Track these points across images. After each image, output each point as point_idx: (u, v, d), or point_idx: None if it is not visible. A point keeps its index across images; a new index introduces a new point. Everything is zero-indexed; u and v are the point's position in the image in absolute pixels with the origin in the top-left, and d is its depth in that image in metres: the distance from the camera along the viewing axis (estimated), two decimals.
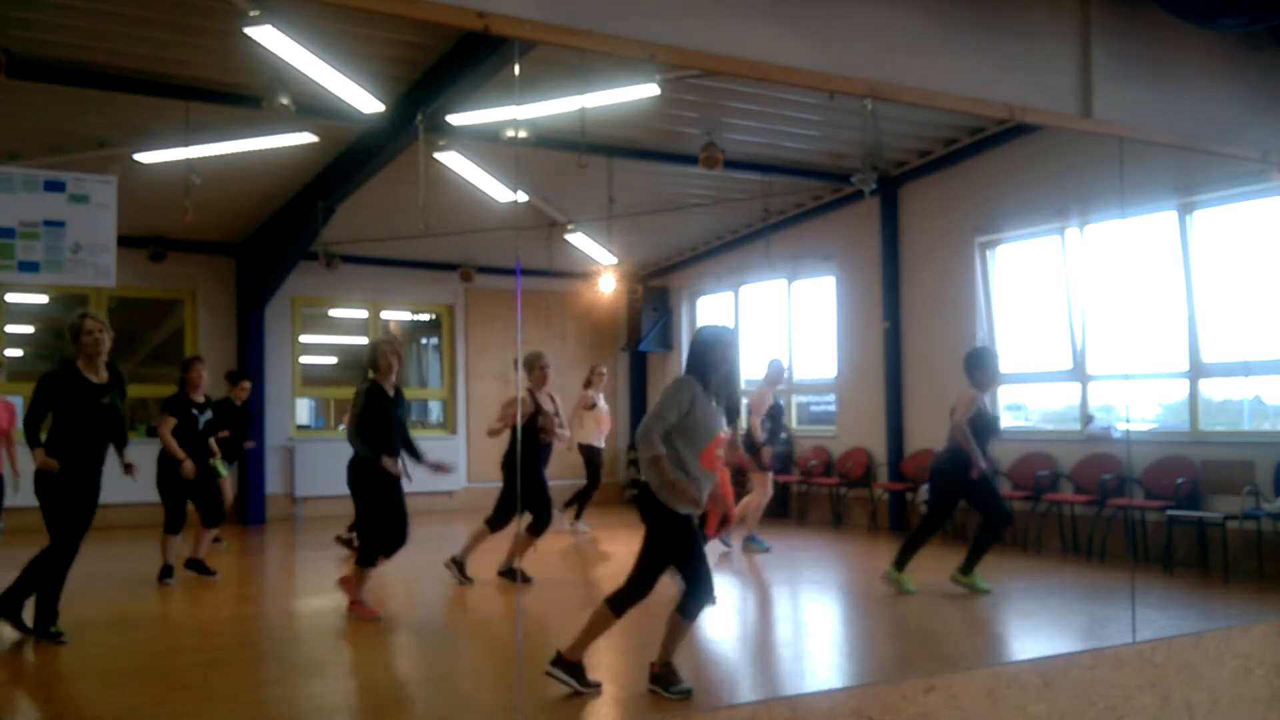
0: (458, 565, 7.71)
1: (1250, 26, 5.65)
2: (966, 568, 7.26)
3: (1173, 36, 5.77)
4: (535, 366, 7.91)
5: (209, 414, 8.07)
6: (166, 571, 7.75)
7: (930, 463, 7.87)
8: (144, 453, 8.09)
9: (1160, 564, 8.15)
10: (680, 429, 4.63)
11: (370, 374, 6.58)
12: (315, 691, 5.07)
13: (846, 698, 4.46)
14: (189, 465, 7.53)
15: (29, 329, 12.09)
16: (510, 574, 7.63)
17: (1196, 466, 8.38)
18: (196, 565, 7.97)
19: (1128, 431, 9.16)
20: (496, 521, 7.64)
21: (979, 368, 7.31)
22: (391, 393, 6.58)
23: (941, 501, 7.37)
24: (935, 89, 5.12)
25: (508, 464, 7.66)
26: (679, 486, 4.56)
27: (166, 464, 7.71)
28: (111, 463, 5.98)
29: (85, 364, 5.80)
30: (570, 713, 4.61)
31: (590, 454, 10.84)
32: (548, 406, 7.86)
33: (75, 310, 6.02)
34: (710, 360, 4.71)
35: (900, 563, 7.28)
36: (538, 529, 7.74)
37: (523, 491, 7.67)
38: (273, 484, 12.24)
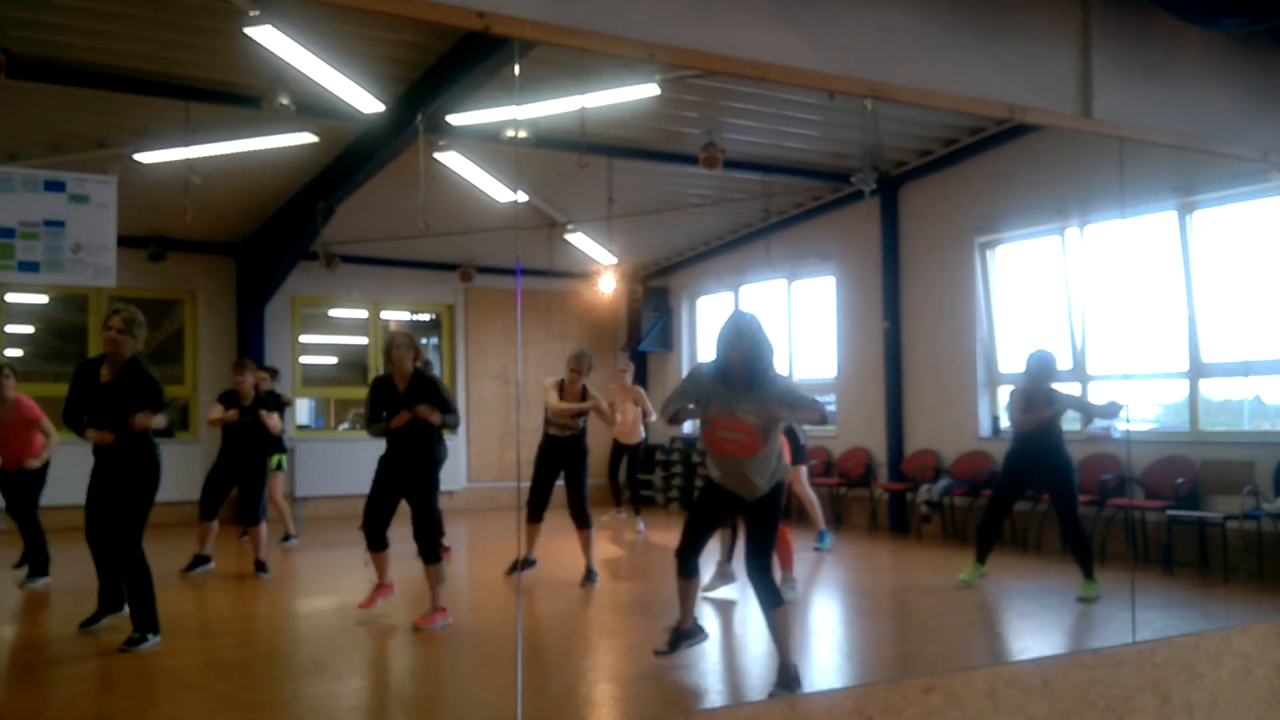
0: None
1: (1250, 26, 5.65)
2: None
3: (1173, 37, 5.76)
4: (571, 367, 7.90)
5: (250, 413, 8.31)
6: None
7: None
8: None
9: (1160, 564, 8.14)
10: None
11: (388, 367, 6.57)
12: (315, 691, 5.07)
13: (846, 698, 4.45)
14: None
15: (29, 329, 12.09)
16: (514, 568, 7.68)
17: (1196, 466, 8.38)
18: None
19: (1128, 431, 9.16)
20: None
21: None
22: (402, 387, 6.49)
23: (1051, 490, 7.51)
24: (935, 89, 5.11)
25: (541, 459, 7.91)
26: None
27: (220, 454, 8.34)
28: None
29: (105, 362, 5.80)
30: (571, 712, 4.61)
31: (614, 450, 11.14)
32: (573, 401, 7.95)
33: (111, 305, 6.04)
34: (718, 351, 4.93)
35: (1087, 574, 7.34)
36: (534, 516, 7.88)
37: (532, 486, 7.87)
38: None
